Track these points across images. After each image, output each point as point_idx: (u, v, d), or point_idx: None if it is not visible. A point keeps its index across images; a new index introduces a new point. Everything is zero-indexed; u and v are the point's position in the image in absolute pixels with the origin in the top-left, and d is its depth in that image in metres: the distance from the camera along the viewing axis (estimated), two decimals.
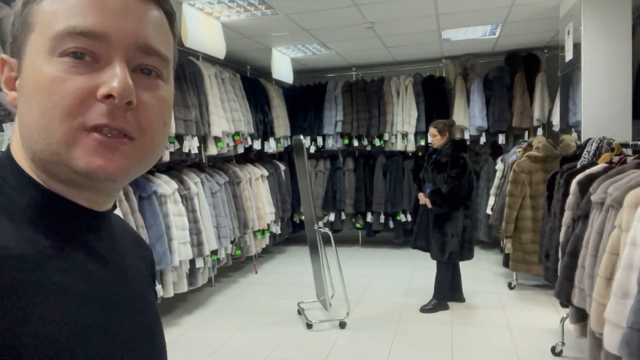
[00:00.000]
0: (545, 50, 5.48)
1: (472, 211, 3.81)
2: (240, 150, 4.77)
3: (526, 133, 5.50)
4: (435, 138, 3.80)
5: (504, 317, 3.61)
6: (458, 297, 3.95)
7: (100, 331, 0.47)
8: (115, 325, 0.50)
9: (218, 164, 4.82)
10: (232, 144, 4.53)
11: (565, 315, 2.90)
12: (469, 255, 3.80)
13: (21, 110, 0.48)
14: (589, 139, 2.85)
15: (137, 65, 0.49)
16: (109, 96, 0.45)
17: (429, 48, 5.30)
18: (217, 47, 3.78)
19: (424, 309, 3.79)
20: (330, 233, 3.50)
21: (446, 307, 3.81)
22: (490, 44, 5.21)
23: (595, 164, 2.57)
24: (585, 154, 2.85)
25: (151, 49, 0.49)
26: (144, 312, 0.57)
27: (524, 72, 5.47)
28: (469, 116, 5.58)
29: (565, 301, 2.40)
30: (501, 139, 5.56)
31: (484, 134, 5.63)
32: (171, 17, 0.54)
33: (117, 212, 3.03)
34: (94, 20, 0.46)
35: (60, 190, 0.49)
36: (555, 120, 5.12)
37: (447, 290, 3.84)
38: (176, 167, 4.12)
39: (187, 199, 3.83)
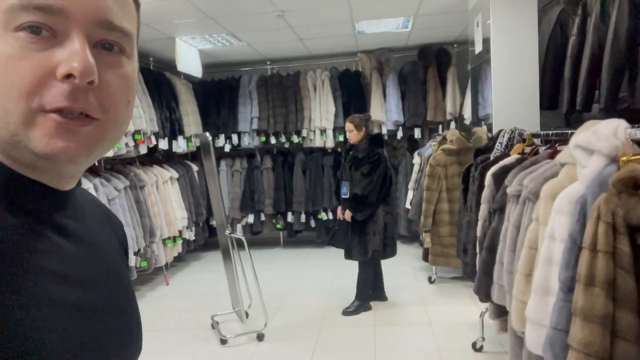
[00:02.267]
0: (455, 45, 5.57)
1: (392, 207, 3.71)
2: (143, 150, 4.31)
3: (440, 127, 5.57)
4: (351, 133, 3.64)
5: (425, 313, 3.55)
6: (380, 295, 3.84)
7: (75, 309, 0.46)
8: (90, 302, 0.49)
9: (117, 166, 4.33)
10: (132, 143, 4.07)
11: (484, 310, 2.86)
12: (392, 253, 3.69)
13: None
14: (501, 130, 2.83)
15: (98, 40, 0.46)
16: (69, 75, 0.43)
17: (344, 41, 5.17)
18: (195, 67, 3.32)
19: (346, 312, 3.63)
20: (243, 238, 3.22)
21: (368, 308, 3.68)
22: (403, 37, 5.18)
23: (508, 155, 2.53)
24: (498, 146, 2.82)
25: (112, 23, 0.47)
26: (117, 286, 0.56)
27: (436, 66, 5.53)
28: (386, 110, 5.54)
29: (485, 297, 2.32)
30: (417, 133, 5.59)
31: (400, 128, 5.62)
32: None
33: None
34: None
35: (23, 171, 0.47)
36: (467, 113, 5.22)
37: (370, 290, 3.72)
38: None
39: None
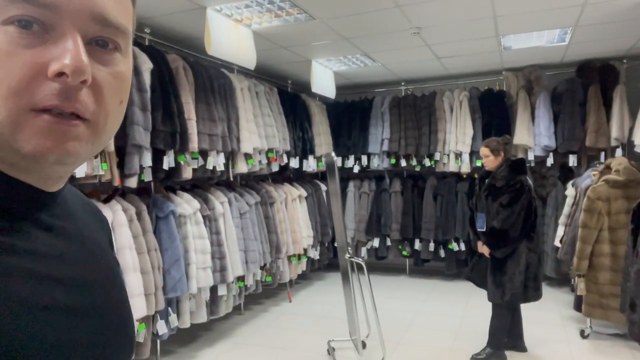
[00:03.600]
0: (625, 60, 4.77)
1: (536, 243, 3.19)
2: (275, 168, 4.45)
3: (602, 154, 4.78)
4: (487, 159, 3.25)
5: None
6: (519, 345, 3.32)
7: (61, 311, 0.44)
8: (78, 304, 0.47)
9: (251, 182, 4.52)
10: (265, 161, 4.22)
11: None
12: (534, 296, 3.16)
13: None
14: None
15: (92, 37, 0.44)
16: (60, 74, 0.41)
17: (487, 58, 4.77)
18: (246, 57, 3.50)
19: (475, 359, 3.20)
20: (363, 263, 3.05)
21: (503, 358, 3.20)
22: (558, 52, 4.59)
23: None
24: None
25: (107, 19, 0.44)
26: (108, 286, 0.54)
27: (599, 84, 4.78)
28: (534, 134, 4.95)
29: None
30: (572, 160, 4.86)
31: (551, 154, 4.95)
32: None
33: (126, 233, 2.77)
34: None
35: (6, 170, 0.44)
36: (638, 139, 4.39)
37: (505, 337, 3.24)
38: (202, 185, 3.85)
39: (210, 220, 3.53)
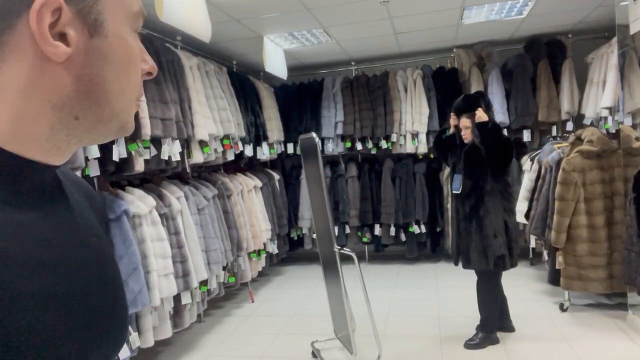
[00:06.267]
0: (570, 35, 4.88)
1: (512, 204, 3.08)
2: (231, 156, 4.00)
3: (554, 128, 4.88)
4: (468, 131, 3.08)
5: (571, 352, 2.90)
6: (506, 325, 3.23)
7: (53, 297, 0.43)
8: (71, 288, 0.46)
9: (203, 174, 4.04)
10: (220, 149, 3.76)
11: None
12: (515, 262, 3.03)
13: (102, 76, 0.48)
14: None
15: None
16: (149, 74, 0.54)
17: (442, 34, 4.64)
18: (201, 28, 3.02)
19: (469, 345, 3.05)
20: (354, 255, 2.76)
21: (496, 341, 3.08)
22: (511, 27, 4.58)
23: None
24: None
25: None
26: (102, 269, 0.54)
27: (547, 59, 4.86)
28: None
29: None
30: (526, 135, 4.92)
31: (505, 130, 4.97)
32: None
33: None
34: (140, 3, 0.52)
35: (17, 150, 0.45)
36: (589, 111, 4.52)
37: (497, 319, 3.12)
38: (153, 179, 3.33)
39: (167, 219, 3.03)
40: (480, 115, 3.01)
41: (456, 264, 3.17)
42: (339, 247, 2.76)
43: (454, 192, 3.13)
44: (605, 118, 4.15)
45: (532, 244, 4.47)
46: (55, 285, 0.44)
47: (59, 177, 0.54)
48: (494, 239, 2.94)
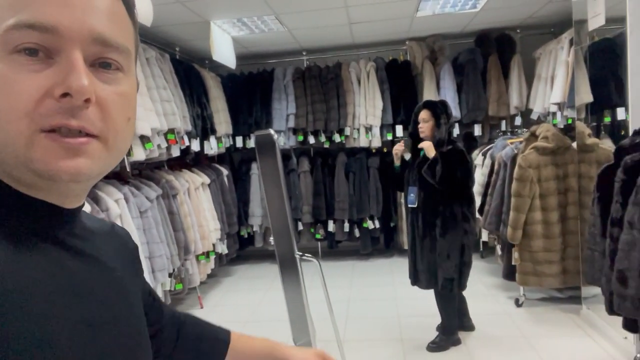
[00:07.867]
0: (518, 30, 4.94)
1: (472, 225, 2.93)
2: (176, 152, 3.67)
3: (503, 122, 4.94)
4: (426, 124, 2.94)
5: (532, 349, 2.90)
6: (466, 324, 3.20)
7: (84, 325, 0.46)
8: (99, 319, 0.48)
9: (145, 172, 3.69)
10: (164, 144, 3.43)
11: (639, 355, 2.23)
12: (464, 285, 2.93)
13: None
14: None
15: (95, 59, 0.46)
16: (65, 94, 0.43)
17: (396, 25, 4.53)
18: (141, 9, 2.68)
19: (431, 347, 2.98)
20: (318, 261, 2.58)
21: (458, 342, 3.03)
22: (463, 21, 4.54)
23: None
24: None
25: (107, 40, 0.47)
26: (127, 305, 0.55)
27: (497, 54, 4.89)
28: None
29: None
30: (477, 129, 4.95)
31: (457, 125, 4.98)
32: (128, 4, 0.51)
33: None
34: (44, 13, 0.43)
35: (26, 191, 0.47)
36: (537, 107, 4.59)
37: (456, 320, 3.06)
38: None
39: None
40: (427, 148, 2.82)
41: (413, 283, 3.07)
42: (300, 254, 2.56)
43: (409, 205, 2.98)
44: (554, 113, 4.23)
45: (484, 237, 4.51)
46: (83, 312, 0.46)
47: (86, 220, 0.56)
48: (446, 260, 2.84)
